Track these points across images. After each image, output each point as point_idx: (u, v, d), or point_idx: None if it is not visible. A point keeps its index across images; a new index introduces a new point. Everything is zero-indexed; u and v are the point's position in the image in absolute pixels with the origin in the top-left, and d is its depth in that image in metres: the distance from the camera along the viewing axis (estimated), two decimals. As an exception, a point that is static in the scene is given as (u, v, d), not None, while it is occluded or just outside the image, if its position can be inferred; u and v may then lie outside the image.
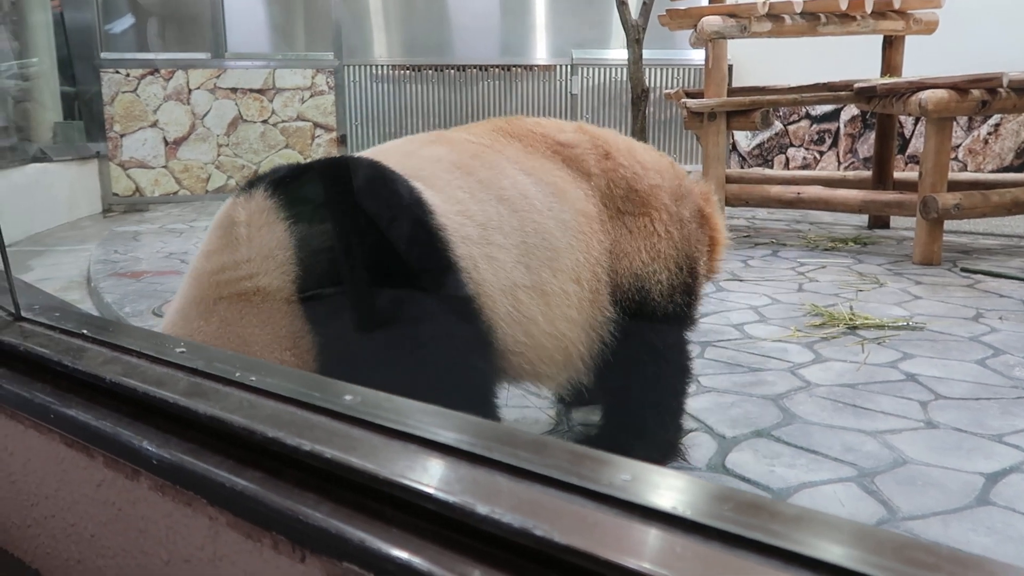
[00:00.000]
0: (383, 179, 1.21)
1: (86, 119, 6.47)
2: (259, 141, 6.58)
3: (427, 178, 1.24)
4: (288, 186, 1.18)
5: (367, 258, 1.17)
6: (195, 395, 0.80)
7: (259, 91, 6.55)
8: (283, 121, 6.60)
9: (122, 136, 6.43)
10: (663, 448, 1.57)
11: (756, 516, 0.52)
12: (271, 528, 0.67)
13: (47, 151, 5.84)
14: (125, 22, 6.71)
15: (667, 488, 0.56)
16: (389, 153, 1.33)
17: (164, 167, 6.49)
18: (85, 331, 1.02)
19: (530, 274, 1.26)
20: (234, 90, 6.53)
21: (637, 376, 1.51)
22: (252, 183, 1.20)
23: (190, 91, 6.48)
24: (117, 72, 6.40)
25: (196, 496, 0.75)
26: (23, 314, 1.13)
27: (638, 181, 1.46)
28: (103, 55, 6.43)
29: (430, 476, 0.61)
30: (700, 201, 1.57)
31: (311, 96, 6.62)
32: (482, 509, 0.55)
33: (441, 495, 0.57)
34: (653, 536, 0.52)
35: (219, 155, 6.55)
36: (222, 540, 0.73)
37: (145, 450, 0.78)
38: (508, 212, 1.26)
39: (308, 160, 1.33)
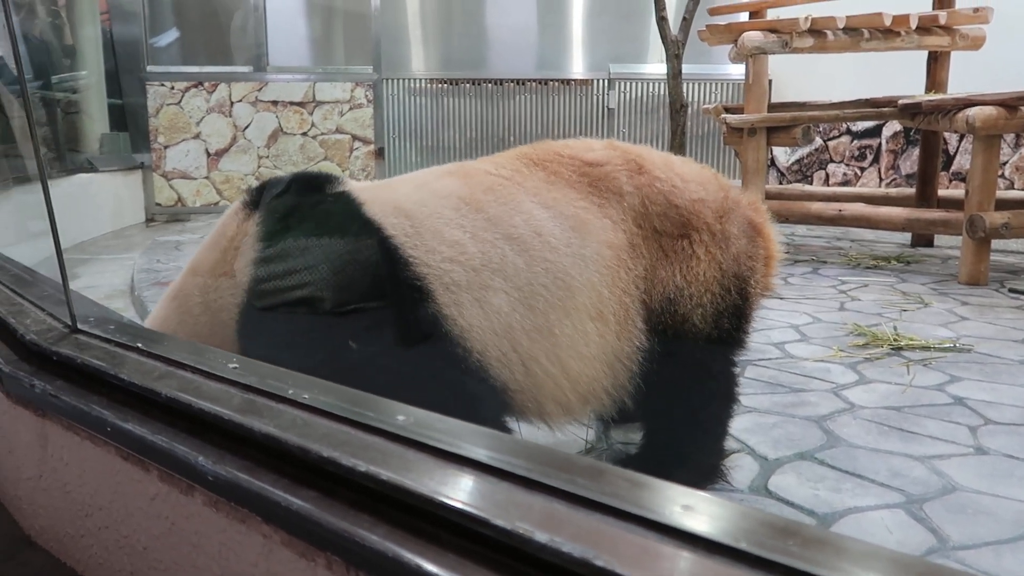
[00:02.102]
0: (352, 230, 1.23)
1: (131, 131, 6.62)
2: (298, 153, 6.67)
3: (427, 217, 1.24)
4: (268, 209, 1.26)
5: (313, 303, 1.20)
6: (249, 412, 0.81)
7: (299, 104, 6.64)
8: (322, 134, 6.68)
9: (166, 147, 6.57)
10: (705, 471, 1.55)
11: (821, 551, 0.51)
12: (325, 548, 0.68)
13: (94, 161, 5.98)
14: (170, 36, 6.87)
15: (729, 520, 0.55)
16: (400, 185, 1.34)
17: (206, 178, 6.61)
18: (140, 344, 1.04)
19: (534, 316, 1.23)
20: (275, 103, 6.63)
21: (680, 400, 1.47)
22: (250, 195, 1.30)
23: (232, 104, 6.60)
24: (162, 85, 6.54)
25: (250, 513, 0.75)
26: (79, 326, 1.16)
27: (677, 195, 1.38)
28: (149, 68, 6.59)
29: (486, 501, 0.61)
30: (750, 213, 1.48)
31: (350, 109, 6.70)
32: (541, 537, 0.55)
33: (499, 522, 0.57)
34: (716, 571, 0.51)
35: (259, 166, 6.65)
36: (275, 558, 0.73)
37: (200, 466, 0.78)
38: (514, 252, 1.24)
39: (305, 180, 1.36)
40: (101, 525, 1.00)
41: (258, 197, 1.30)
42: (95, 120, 6.41)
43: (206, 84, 6.57)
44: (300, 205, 1.28)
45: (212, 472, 0.78)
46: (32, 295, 1.42)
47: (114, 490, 0.96)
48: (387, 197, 1.28)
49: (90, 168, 5.84)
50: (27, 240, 3.19)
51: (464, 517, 0.60)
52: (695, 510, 0.57)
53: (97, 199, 5.81)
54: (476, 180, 1.32)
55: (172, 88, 6.55)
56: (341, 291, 1.19)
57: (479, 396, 1.23)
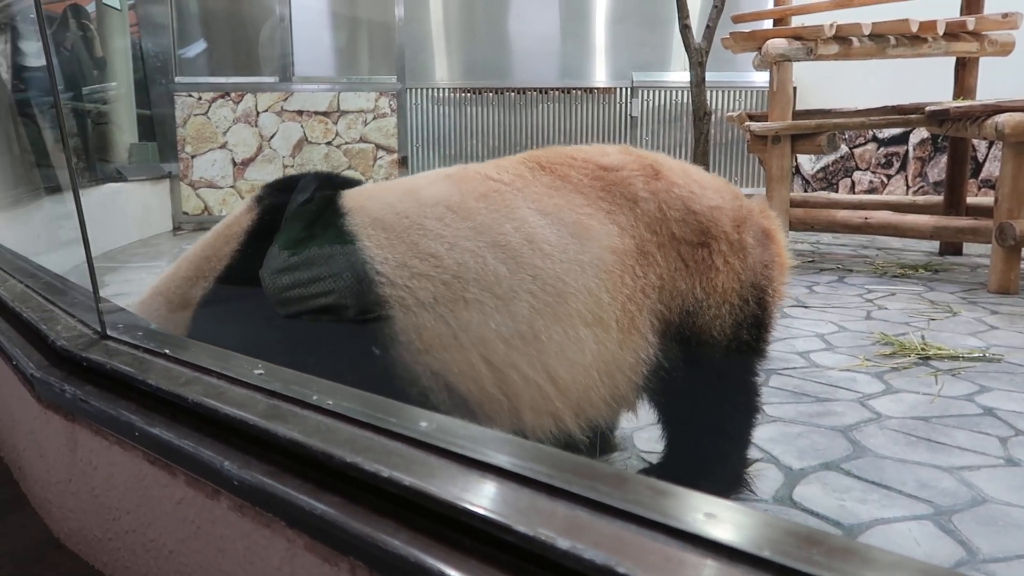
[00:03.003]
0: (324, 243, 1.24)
1: (160, 141, 6.72)
2: (323, 162, 6.73)
3: (405, 229, 1.24)
4: (261, 212, 1.31)
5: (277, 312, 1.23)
6: (274, 418, 0.82)
7: (324, 113, 6.70)
8: (346, 143, 6.74)
9: (193, 157, 6.66)
10: (729, 480, 1.54)
11: (847, 561, 0.50)
12: (348, 553, 0.68)
13: (122, 171, 6.07)
14: (198, 47, 6.97)
15: (753, 528, 0.55)
16: (392, 191, 1.34)
17: (232, 187, 6.69)
18: (167, 350, 1.06)
19: (515, 322, 1.21)
20: (300, 112, 6.70)
21: (701, 410, 1.45)
22: (257, 195, 1.36)
23: (258, 114, 6.68)
24: (190, 95, 6.64)
25: (275, 518, 0.76)
26: (108, 332, 1.17)
27: (695, 201, 1.35)
28: (177, 79, 6.68)
29: (509, 507, 0.61)
30: (762, 220, 1.45)
31: (374, 118, 6.75)
32: (563, 544, 0.55)
33: (521, 528, 0.57)
34: (740, 578, 0.51)
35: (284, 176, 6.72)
36: (299, 563, 0.74)
37: (226, 471, 0.79)
38: (497, 260, 1.23)
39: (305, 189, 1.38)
40: (128, 529, 1.01)
41: (267, 196, 1.34)
42: (124, 130, 6.52)
43: (233, 94, 6.66)
44: (287, 209, 1.30)
45: (237, 477, 0.79)
46: (63, 302, 1.44)
47: (141, 494, 0.97)
48: (372, 206, 1.28)
49: (119, 178, 5.93)
50: (58, 248, 3.25)
51: (486, 523, 0.60)
52: (718, 518, 0.56)
53: (126, 208, 5.90)
54: (471, 186, 1.31)
55: (199, 99, 6.64)
56: (299, 304, 1.20)
57: (422, 401, 1.21)
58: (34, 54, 4.24)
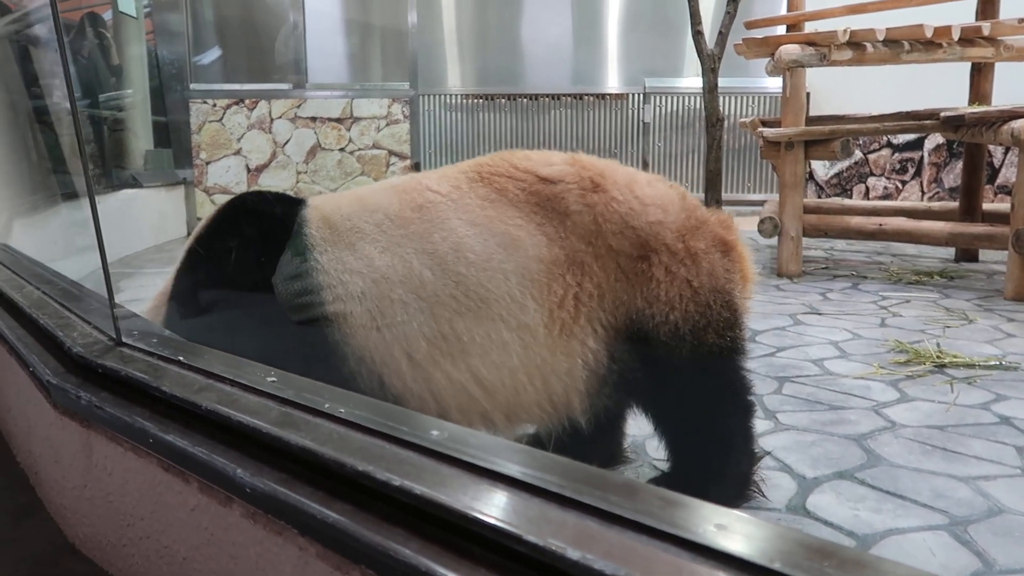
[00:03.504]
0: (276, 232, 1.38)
1: (174, 147, 6.77)
2: (336, 169, 6.76)
3: (347, 230, 1.37)
4: (231, 208, 1.45)
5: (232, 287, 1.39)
6: (287, 425, 0.82)
7: (337, 120, 6.74)
8: (359, 149, 6.77)
9: (207, 163, 6.70)
10: (736, 481, 1.54)
11: (858, 573, 0.50)
12: (360, 562, 0.68)
13: (138, 177, 6.12)
14: (213, 55, 7.03)
15: (763, 539, 0.55)
16: (346, 198, 1.46)
17: (246, 193, 6.73)
18: (182, 358, 1.06)
19: (437, 323, 1.31)
20: (313, 119, 6.74)
21: (688, 414, 1.47)
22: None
23: (272, 120, 6.72)
24: (204, 102, 6.69)
25: (287, 526, 0.76)
26: (123, 339, 1.18)
27: (634, 216, 1.39)
28: (192, 86, 6.74)
29: (519, 517, 0.61)
30: (719, 230, 1.49)
31: (387, 125, 6.78)
32: (573, 554, 0.55)
33: (532, 538, 0.57)
34: (751, 591, 0.50)
35: (298, 182, 6.75)
36: (311, 571, 0.74)
37: (239, 478, 0.80)
38: (423, 265, 1.33)
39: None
40: (142, 535, 1.02)
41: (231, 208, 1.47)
42: (140, 137, 6.58)
43: (247, 101, 6.70)
44: (259, 210, 1.47)
45: (250, 484, 0.79)
46: (79, 309, 1.46)
47: (155, 500, 0.98)
48: (327, 209, 1.40)
49: (135, 184, 5.98)
50: (75, 254, 3.28)
51: (497, 533, 0.60)
52: (729, 529, 0.56)
53: (141, 214, 5.94)
54: (410, 197, 1.40)
55: (214, 105, 6.69)
56: (248, 275, 1.36)
57: (350, 383, 1.32)
58: (51, 61, 4.29)
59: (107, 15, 6.38)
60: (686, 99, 6.92)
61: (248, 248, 1.38)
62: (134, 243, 5.65)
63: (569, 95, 6.98)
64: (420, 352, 1.30)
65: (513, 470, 0.66)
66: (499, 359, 1.31)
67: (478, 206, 1.39)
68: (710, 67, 4.31)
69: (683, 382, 1.46)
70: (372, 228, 1.36)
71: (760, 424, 1.96)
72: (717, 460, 1.52)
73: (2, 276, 2.04)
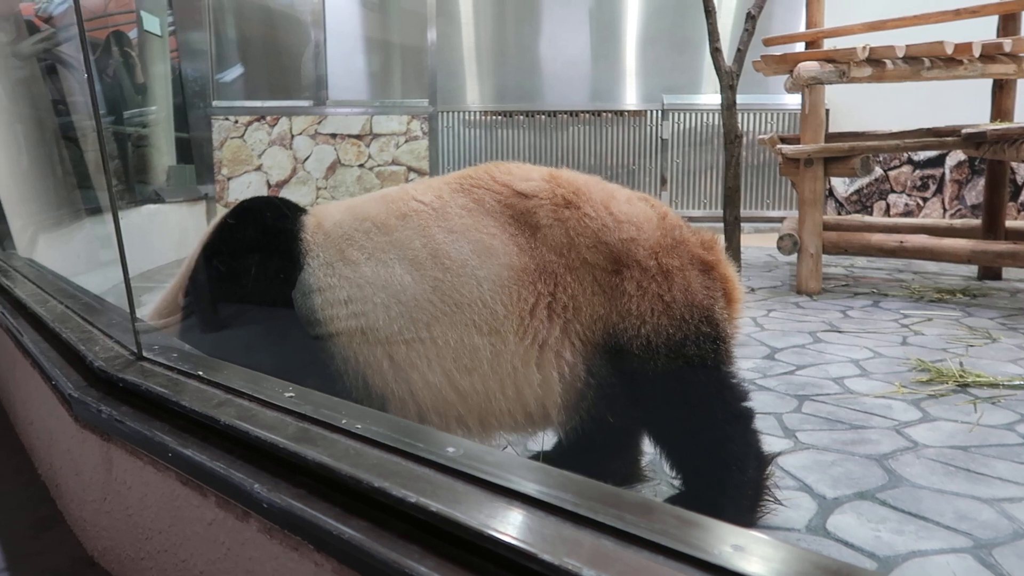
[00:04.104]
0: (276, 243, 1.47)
1: (197, 163, 6.86)
2: (355, 184, 6.81)
3: (338, 237, 1.44)
4: (234, 215, 1.56)
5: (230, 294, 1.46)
6: (304, 441, 0.83)
7: (357, 136, 6.80)
8: (379, 165, 6.82)
9: (229, 179, 6.78)
10: (748, 488, 1.52)
11: (878, 598, 0.49)
12: (375, 579, 0.68)
13: (161, 193, 6.20)
14: (235, 72, 7.13)
15: (781, 561, 0.54)
16: (339, 207, 1.54)
17: (266, 209, 6.78)
18: (201, 372, 1.07)
19: (415, 327, 1.37)
20: (333, 135, 6.81)
21: (680, 428, 1.48)
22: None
23: (293, 137, 6.80)
24: (226, 119, 6.78)
25: (303, 541, 0.76)
26: (144, 354, 1.20)
27: (607, 233, 1.42)
28: (214, 103, 6.84)
29: (535, 535, 0.61)
30: (699, 250, 1.50)
31: (406, 141, 6.83)
32: (588, 574, 0.55)
33: (547, 557, 0.57)
34: (768, 613, 0.50)
35: (318, 197, 6.81)
36: (327, 587, 0.74)
37: (256, 493, 0.80)
38: (404, 271, 1.39)
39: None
40: (160, 548, 1.02)
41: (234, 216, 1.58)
42: (163, 153, 6.67)
43: (268, 118, 6.78)
44: (272, 215, 1.55)
45: (267, 500, 0.79)
46: (101, 323, 1.47)
47: (173, 514, 0.99)
48: (322, 216, 1.49)
49: (157, 199, 6.06)
50: (97, 269, 3.32)
51: (512, 551, 0.60)
52: (747, 550, 0.56)
53: (163, 229, 6.01)
54: (396, 206, 1.47)
55: (236, 122, 6.78)
56: (246, 277, 1.44)
57: (336, 382, 1.39)
58: (77, 79, 4.37)
59: (132, 33, 6.49)
60: (704, 116, 6.92)
61: (248, 253, 1.46)
62: (156, 257, 5.71)
63: (587, 112, 7.00)
64: (400, 354, 1.36)
65: (528, 488, 0.66)
66: (470, 363, 1.36)
67: (456, 215, 1.45)
68: (728, 84, 4.31)
69: (667, 394, 1.47)
70: (360, 235, 1.44)
71: (779, 443, 1.94)
72: (721, 469, 1.51)
73: (27, 290, 2.07)
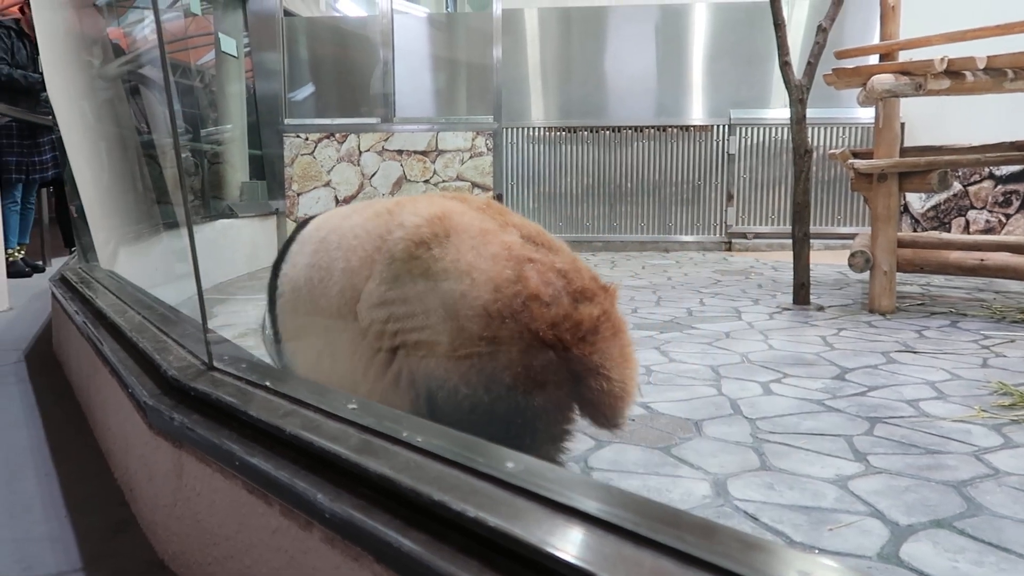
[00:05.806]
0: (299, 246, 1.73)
1: (268, 179, 7.07)
2: (421, 200, 6.91)
3: (302, 245, 1.70)
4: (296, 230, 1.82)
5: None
6: (366, 452, 0.84)
7: (422, 153, 6.91)
8: (443, 181, 6.91)
9: (299, 195, 6.97)
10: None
11: (955, 632, 0.47)
12: (434, 592, 0.68)
13: (234, 208, 6.41)
14: (306, 91, 7.33)
15: (850, 590, 0.52)
16: (327, 216, 1.76)
17: (334, 223, 6.94)
18: (268, 383, 1.10)
19: (311, 324, 1.60)
20: (400, 152, 6.93)
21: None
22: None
23: (360, 153, 6.95)
24: (297, 136, 6.97)
25: (363, 552, 0.77)
26: (215, 364, 1.23)
27: (444, 278, 1.34)
28: (286, 121, 7.04)
29: (594, 554, 0.60)
30: (546, 330, 1.29)
31: (470, 157, 6.90)
32: (649, 596, 0.54)
33: (606, 576, 0.56)
34: (836, 643, 0.48)
35: (384, 213, 6.93)
36: (386, 598, 0.75)
37: (319, 503, 0.81)
38: (314, 276, 1.60)
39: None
40: (226, 555, 1.05)
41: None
42: (236, 169, 6.89)
43: (337, 135, 6.95)
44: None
45: (330, 510, 0.80)
46: (175, 333, 1.52)
47: (240, 522, 1.01)
48: (313, 225, 1.73)
49: (230, 214, 6.26)
50: (173, 281, 3.44)
51: (571, 570, 0.59)
52: (813, 577, 0.54)
53: (236, 243, 6.21)
54: (346, 219, 1.65)
55: (306, 139, 6.97)
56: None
57: (283, 359, 1.69)
58: (158, 100, 4.56)
59: (210, 55, 6.75)
60: (773, 130, 6.81)
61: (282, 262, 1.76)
62: (228, 271, 5.90)
63: (653, 127, 6.96)
64: (311, 342, 1.59)
65: (587, 505, 0.65)
66: (330, 366, 1.52)
67: (351, 234, 1.61)
68: (798, 97, 4.22)
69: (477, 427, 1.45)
70: (314, 243, 1.66)
71: (849, 466, 1.88)
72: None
73: (107, 301, 2.16)
